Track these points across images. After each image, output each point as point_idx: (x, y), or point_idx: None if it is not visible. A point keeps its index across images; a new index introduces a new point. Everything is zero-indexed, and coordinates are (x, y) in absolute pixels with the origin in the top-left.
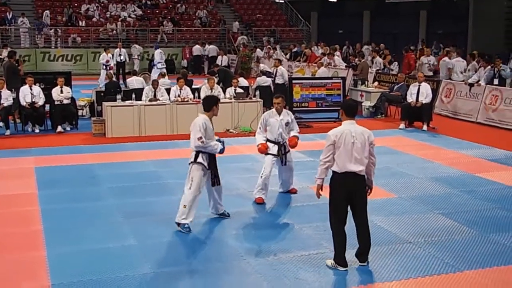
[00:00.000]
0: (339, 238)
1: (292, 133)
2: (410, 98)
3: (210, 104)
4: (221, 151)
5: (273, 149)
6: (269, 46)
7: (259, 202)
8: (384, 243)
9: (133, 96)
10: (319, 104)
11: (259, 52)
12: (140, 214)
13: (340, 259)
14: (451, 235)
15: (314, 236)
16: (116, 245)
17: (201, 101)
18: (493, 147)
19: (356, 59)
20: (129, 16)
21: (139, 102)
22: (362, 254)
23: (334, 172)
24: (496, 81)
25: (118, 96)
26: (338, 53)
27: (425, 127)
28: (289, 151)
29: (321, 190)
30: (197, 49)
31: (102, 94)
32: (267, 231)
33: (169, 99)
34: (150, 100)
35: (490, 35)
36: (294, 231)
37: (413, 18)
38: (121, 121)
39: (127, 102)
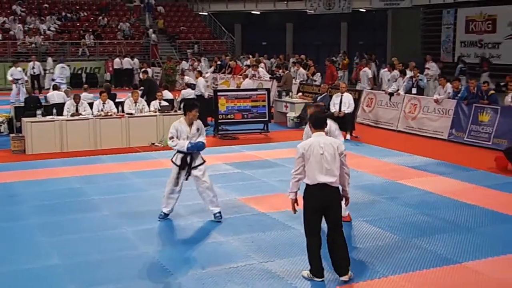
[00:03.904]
0: (312, 250)
1: None
2: (333, 108)
3: (184, 110)
4: (190, 149)
5: None
6: (193, 58)
7: None
8: None
9: (54, 111)
10: (245, 116)
11: (184, 65)
12: (64, 232)
13: (314, 270)
14: (375, 241)
15: (242, 248)
16: (39, 266)
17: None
18: (413, 154)
19: (280, 71)
20: (49, 29)
21: (61, 117)
22: (338, 268)
23: (307, 185)
24: (414, 91)
25: (38, 112)
26: (262, 64)
27: (348, 136)
28: None
29: (297, 204)
30: (117, 63)
31: (21, 109)
32: (194, 244)
33: (92, 114)
34: (72, 115)
35: (408, 45)
36: (221, 243)
37: (335, 29)
38: (42, 137)
39: (48, 118)
